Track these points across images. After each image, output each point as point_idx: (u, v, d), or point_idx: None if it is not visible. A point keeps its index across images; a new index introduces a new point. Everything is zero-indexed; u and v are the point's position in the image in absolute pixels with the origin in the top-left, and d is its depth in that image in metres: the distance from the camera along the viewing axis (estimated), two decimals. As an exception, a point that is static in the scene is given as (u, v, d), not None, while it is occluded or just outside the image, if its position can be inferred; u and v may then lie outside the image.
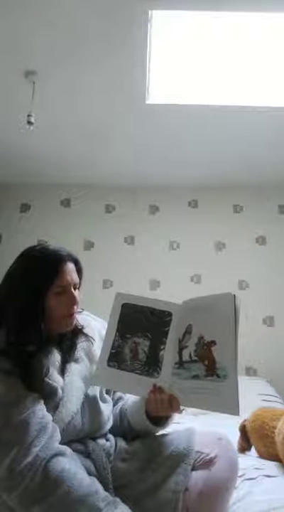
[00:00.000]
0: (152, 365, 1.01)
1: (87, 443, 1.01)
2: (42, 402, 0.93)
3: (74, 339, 1.09)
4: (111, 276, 3.27)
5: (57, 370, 1.00)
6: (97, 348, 1.09)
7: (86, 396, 1.03)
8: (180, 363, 0.98)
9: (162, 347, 1.01)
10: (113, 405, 1.16)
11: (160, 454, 1.04)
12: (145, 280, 3.27)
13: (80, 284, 1.09)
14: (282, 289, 3.22)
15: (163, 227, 3.39)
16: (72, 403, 0.98)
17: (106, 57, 1.99)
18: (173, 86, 2.23)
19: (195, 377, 0.95)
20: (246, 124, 2.47)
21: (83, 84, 2.19)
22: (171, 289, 3.04)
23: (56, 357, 1.02)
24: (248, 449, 1.49)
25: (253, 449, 1.48)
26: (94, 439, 1.04)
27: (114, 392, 1.19)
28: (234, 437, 1.42)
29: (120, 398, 1.21)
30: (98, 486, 0.88)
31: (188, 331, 0.99)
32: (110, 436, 1.10)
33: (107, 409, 1.08)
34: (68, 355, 1.05)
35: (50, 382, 0.97)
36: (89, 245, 3.36)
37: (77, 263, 1.08)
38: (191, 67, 2.11)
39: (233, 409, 0.88)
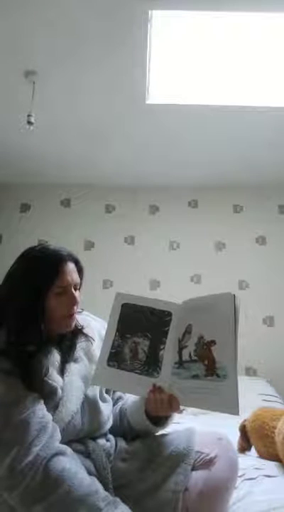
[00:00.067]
0: (152, 364, 1.01)
1: (87, 443, 1.01)
2: (42, 401, 0.93)
3: (73, 339, 1.09)
4: (111, 276, 3.27)
5: (56, 370, 1.00)
6: (97, 348, 1.09)
7: (86, 396, 1.03)
8: (180, 363, 0.98)
9: (162, 347, 1.01)
10: (113, 405, 1.16)
11: (160, 454, 1.04)
12: (145, 280, 3.28)
13: (81, 284, 1.09)
14: (282, 289, 3.22)
15: (163, 227, 3.39)
16: (71, 403, 0.98)
17: (106, 57, 1.99)
18: (173, 86, 2.23)
19: (195, 376, 0.95)
20: (246, 124, 2.47)
21: (83, 84, 2.19)
22: (171, 289, 3.04)
23: (55, 357, 1.02)
24: (248, 449, 1.49)
25: (253, 449, 1.48)
26: (94, 439, 1.04)
27: (114, 391, 1.19)
28: (234, 437, 1.42)
29: (119, 398, 1.21)
30: (98, 486, 0.88)
31: (188, 331, 0.99)
32: (110, 436, 1.10)
33: (107, 409, 1.08)
34: (68, 355, 1.05)
35: (50, 381, 0.97)
36: (89, 245, 3.36)
37: (77, 263, 1.08)
38: (191, 67, 2.11)
39: (233, 408, 0.87)
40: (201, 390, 0.93)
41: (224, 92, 2.24)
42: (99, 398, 1.06)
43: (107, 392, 1.14)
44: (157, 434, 1.13)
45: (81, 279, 1.09)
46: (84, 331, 1.11)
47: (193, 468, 1.00)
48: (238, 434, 1.50)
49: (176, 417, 1.14)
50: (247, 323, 2.97)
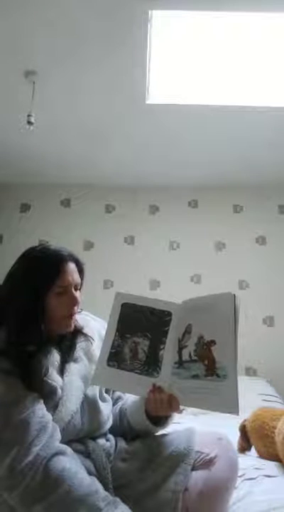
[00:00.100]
0: (151, 364, 1.01)
1: (87, 443, 1.01)
2: (41, 401, 0.93)
3: (73, 339, 1.09)
4: (111, 276, 3.27)
5: (56, 369, 1.00)
6: (96, 348, 1.09)
7: (86, 395, 1.03)
8: (180, 363, 0.98)
9: (161, 347, 1.01)
10: (113, 405, 1.16)
11: (160, 454, 1.04)
12: (145, 280, 3.28)
13: (82, 284, 1.09)
14: (282, 289, 3.22)
15: (163, 227, 3.39)
16: (71, 402, 0.98)
17: (106, 57, 1.99)
18: (173, 86, 2.23)
19: (195, 376, 0.95)
20: (246, 124, 2.47)
21: (83, 84, 2.19)
22: (171, 289, 3.04)
23: (55, 357, 1.02)
24: (248, 449, 1.49)
25: (253, 449, 1.48)
26: (94, 438, 1.04)
27: (113, 391, 1.19)
28: (234, 437, 1.42)
29: (119, 398, 1.21)
30: (98, 486, 0.88)
31: (188, 331, 0.99)
32: (110, 436, 1.10)
33: (107, 409, 1.08)
34: (67, 355, 1.05)
35: (50, 381, 0.97)
36: (89, 245, 3.36)
37: (78, 263, 1.08)
38: (191, 67, 2.11)
39: (232, 408, 0.87)
40: (201, 389, 0.93)
41: (224, 92, 2.24)
42: (98, 398, 1.06)
43: (107, 391, 1.14)
44: (157, 434, 1.13)
45: (82, 279, 1.09)
46: (84, 330, 1.11)
47: (193, 468, 1.00)
48: (238, 434, 1.50)
49: (176, 417, 1.14)
50: (247, 323, 2.97)
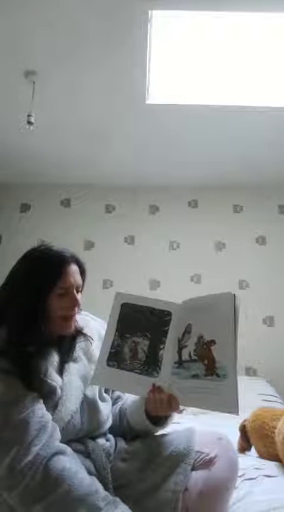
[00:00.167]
0: (151, 364, 1.01)
1: (87, 443, 1.01)
2: (41, 401, 0.94)
3: (73, 340, 1.09)
4: (111, 276, 3.27)
5: (55, 369, 1.00)
6: (96, 348, 1.09)
7: (85, 395, 1.03)
8: (180, 363, 0.98)
9: (161, 346, 1.01)
10: (112, 404, 1.16)
11: (160, 454, 1.04)
12: (145, 280, 3.28)
13: (83, 286, 1.09)
14: (282, 289, 3.22)
15: (163, 227, 3.39)
16: (71, 402, 0.98)
17: (106, 57, 1.99)
18: (173, 86, 2.23)
19: (195, 376, 0.95)
20: (246, 124, 2.47)
21: (83, 84, 2.19)
22: (171, 289, 3.04)
23: (54, 357, 1.02)
24: (248, 449, 1.48)
25: (253, 449, 1.48)
26: (94, 438, 1.04)
27: (113, 391, 1.19)
28: (234, 437, 1.41)
29: (119, 397, 1.21)
30: (98, 486, 0.88)
31: (187, 331, 0.99)
32: (110, 436, 1.10)
33: (106, 409, 1.08)
34: (67, 356, 1.05)
35: (49, 381, 0.97)
36: (89, 245, 3.36)
37: (80, 265, 1.08)
38: (191, 67, 2.11)
39: (232, 408, 0.87)
40: (201, 389, 0.93)
41: (224, 92, 2.24)
42: (98, 398, 1.06)
43: (106, 391, 1.14)
44: (157, 434, 1.13)
45: (83, 281, 1.09)
46: (84, 331, 1.11)
47: (193, 468, 1.00)
48: (238, 434, 1.50)
49: (176, 417, 1.14)
50: (247, 323, 2.97)
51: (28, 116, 2.07)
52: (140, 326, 1.04)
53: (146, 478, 0.99)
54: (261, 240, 3.34)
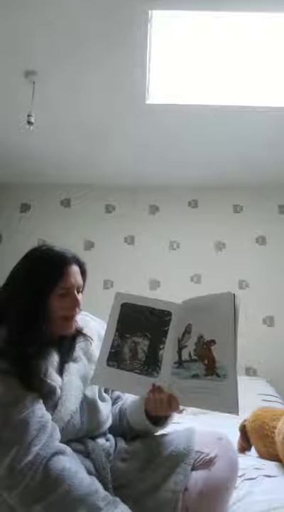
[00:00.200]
0: (151, 364, 1.01)
1: (87, 443, 1.01)
2: (41, 401, 0.94)
3: (73, 340, 1.09)
4: (111, 276, 3.27)
5: (55, 369, 1.00)
6: (96, 348, 1.09)
7: (85, 395, 1.03)
8: (180, 363, 0.98)
9: (161, 346, 1.01)
10: (112, 404, 1.16)
11: (160, 454, 1.04)
12: (145, 280, 3.28)
13: (84, 287, 1.09)
14: (282, 289, 3.22)
15: (163, 227, 3.39)
16: (70, 402, 0.98)
17: (106, 57, 1.99)
18: (173, 86, 2.23)
19: (195, 376, 0.95)
20: (246, 124, 2.47)
21: (83, 84, 2.19)
22: (171, 289, 3.04)
23: (54, 357, 1.02)
24: (248, 449, 1.48)
25: (253, 449, 1.48)
26: (94, 438, 1.04)
27: (112, 391, 1.19)
28: (234, 437, 1.41)
29: (118, 397, 1.21)
30: (98, 486, 0.88)
31: (187, 331, 0.99)
32: (110, 436, 1.10)
33: (106, 408, 1.08)
34: (67, 356, 1.05)
35: (49, 381, 0.97)
36: (89, 245, 3.36)
37: (81, 266, 1.08)
38: (191, 67, 2.11)
39: (232, 408, 0.87)
40: (200, 389, 0.93)
41: (224, 92, 2.24)
42: (98, 398, 1.06)
43: (106, 391, 1.14)
44: (156, 434, 1.13)
45: (84, 281, 1.09)
46: (83, 331, 1.11)
47: (193, 468, 1.00)
48: (238, 434, 1.50)
49: (176, 417, 1.14)
50: (247, 323, 2.97)
51: (28, 116, 2.07)
52: (140, 326, 1.04)
53: (146, 478, 0.99)
54: (261, 240, 3.34)
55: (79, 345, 1.09)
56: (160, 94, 2.26)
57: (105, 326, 1.09)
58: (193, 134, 2.62)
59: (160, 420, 1.09)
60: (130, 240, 3.39)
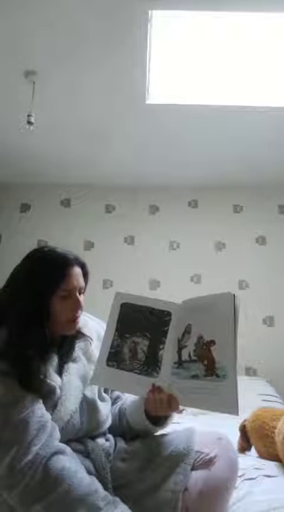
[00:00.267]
0: (151, 364, 1.01)
1: (86, 443, 1.01)
2: (40, 401, 0.93)
3: (72, 340, 1.08)
4: (111, 276, 3.27)
5: (55, 369, 1.00)
6: (95, 348, 1.09)
7: (85, 395, 1.03)
8: (179, 363, 0.98)
9: (161, 347, 1.01)
10: (112, 404, 1.16)
11: (160, 454, 1.04)
12: (145, 280, 3.28)
13: (85, 288, 1.09)
14: (282, 289, 3.22)
15: (163, 227, 3.39)
16: (70, 402, 0.98)
17: (106, 57, 1.99)
18: (173, 86, 2.23)
19: (194, 376, 0.95)
20: (246, 124, 2.47)
21: (83, 84, 2.19)
22: (171, 289, 3.04)
23: (54, 357, 1.02)
24: (248, 449, 1.48)
25: (253, 449, 1.48)
26: (93, 438, 1.04)
27: (112, 391, 1.19)
28: (234, 437, 1.41)
29: (118, 397, 1.21)
30: (98, 485, 0.88)
31: (187, 331, 0.99)
32: (109, 436, 1.10)
33: (106, 408, 1.08)
34: (66, 356, 1.05)
35: (48, 381, 0.97)
36: (89, 245, 3.36)
37: (83, 267, 1.08)
38: (191, 67, 2.11)
39: (232, 408, 0.87)
40: (200, 390, 0.93)
41: (224, 92, 2.24)
42: (97, 398, 1.06)
43: (105, 391, 1.14)
44: (156, 434, 1.13)
45: (86, 283, 1.08)
46: (83, 331, 1.11)
47: (193, 468, 1.00)
48: (238, 434, 1.50)
49: (176, 417, 1.14)
50: (247, 323, 2.97)
51: (28, 116, 2.07)
52: (140, 326, 1.04)
53: (146, 478, 0.99)
54: (261, 240, 3.34)
55: (79, 345, 1.09)
56: (160, 94, 2.26)
57: (104, 326, 1.09)
58: (193, 134, 2.62)
59: (160, 420, 1.09)
60: (130, 240, 3.39)
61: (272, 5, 1.73)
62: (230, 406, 0.88)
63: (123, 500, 0.89)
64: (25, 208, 3.47)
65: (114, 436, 1.11)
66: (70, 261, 1.03)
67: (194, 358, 0.96)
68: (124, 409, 1.15)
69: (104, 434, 1.08)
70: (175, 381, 0.98)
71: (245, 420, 1.51)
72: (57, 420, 0.94)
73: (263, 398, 2.32)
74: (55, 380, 0.98)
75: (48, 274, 1.00)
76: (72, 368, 1.03)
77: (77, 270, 1.04)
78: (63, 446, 0.91)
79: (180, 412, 1.05)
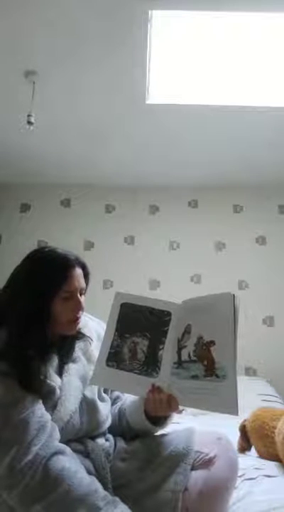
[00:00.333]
0: (151, 364, 1.01)
1: (86, 443, 1.01)
2: (40, 401, 0.93)
3: (72, 340, 1.08)
4: (111, 276, 3.27)
5: (54, 370, 1.01)
6: (95, 349, 1.09)
7: (85, 395, 1.03)
8: (179, 363, 0.98)
9: (161, 347, 1.01)
10: (112, 404, 1.16)
11: (160, 454, 1.04)
12: (145, 280, 3.28)
13: (86, 289, 1.09)
14: (282, 289, 3.22)
15: (163, 227, 3.39)
16: (70, 402, 0.98)
17: (106, 57, 1.99)
18: (173, 86, 2.23)
19: (194, 377, 0.95)
20: (246, 124, 2.47)
21: (83, 84, 2.19)
22: (171, 289, 3.04)
23: (54, 357, 1.02)
24: (248, 449, 1.48)
25: (253, 449, 1.48)
26: (93, 438, 1.04)
27: (112, 391, 1.19)
28: (234, 437, 1.41)
29: (118, 397, 1.21)
30: (97, 485, 0.88)
31: (187, 331, 0.99)
32: (109, 436, 1.10)
33: (105, 409, 1.08)
34: (66, 356, 1.05)
35: (48, 381, 0.97)
36: (89, 245, 3.36)
37: (84, 268, 1.07)
38: (191, 67, 2.11)
39: (232, 409, 0.87)
40: (200, 390, 0.93)
41: (224, 92, 2.24)
42: (97, 398, 1.06)
43: (105, 391, 1.14)
44: (156, 434, 1.13)
45: (87, 284, 1.08)
46: (83, 331, 1.11)
47: (192, 468, 1.00)
48: (238, 434, 1.50)
49: (175, 417, 1.14)
50: (247, 323, 2.97)
51: (28, 116, 2.07)
52: (140, 326, 1.04)
53: (146, 478, 0.99)
54: (261, 240, 3.34)
55: (79, 345, 1.09)
56: (160, 94, 2.26)
57: (104, 326, 1.09)
58: (193, 134, 2.62)
59: (160, 420, 1.09)
60: (130, 240, 3.39)
61: (272, 5, 1.73)
62: (230, 406, 0.88)
63: (123, 500, 0.89)
64: (25, 208, 3.47)
65: (114, 436, 1.11)
66: (71, 262, 1.02)
67: (194, 358, 0.96)
68: (124, 409, 1.15)
69: (103, 434, 1.08)
70: (174, 381, 0.98)
71: (245, 420, 1.51)
72: (57, 420, 0.94)
73: (263, 398, 2.32)
74: (54, 380, 0.98)
75: (49, 275, 1.00)
76: (72, 369, 1.03)
77: (79, 271, 1.04)
78: (63, 446, 0.91)
79: (180, 412, 1.05)
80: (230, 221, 3.38)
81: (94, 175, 3.30)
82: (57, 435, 0.92)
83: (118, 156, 2.97)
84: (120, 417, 1.15)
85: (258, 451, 1.44)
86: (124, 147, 2.83)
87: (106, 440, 1.07)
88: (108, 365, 1.02)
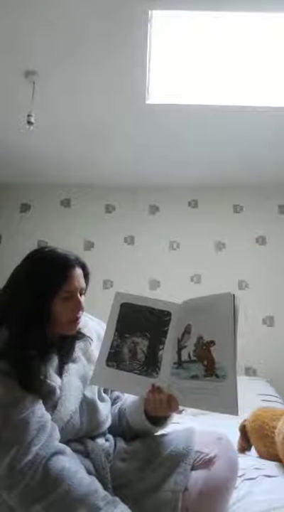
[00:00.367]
0: (151, 365, 1.01)
1: (86, 443, 1.01)
2: (40, 401, 0.93)
3: (72, 340, 1.08)
4: (111, 276, 3.27)
5: (55, 370, 1.01)
6: (95, 349, 1.09)
7: (85, 395, 1.03)
8: (179, 363, 0.98)
9: (161, 347, 1.01)
10: (112, 404, 1.16)
11: (160, 454, 1.04)
12: (145, 280, 3.28)
13: (86, 289, 1.09)
14: (282, 289, 3.22)
15: (163, 227, 3.39)
16: (70, 402, 0.98)
17: (106, 57, 1.99)
18: (173, 86, 2.23)
19: (194, 377, 0.95)
20: (246, 124, 2.47)
21: (83, 84, 2.19)
22: (171, 289, 3.04)
23: (54, 358, 1.02)
24: (248, 449, 1.48)
25: (253, 449, 1.48)
26: (93, 438, 1.04)
27: (112, 391, 1.19)
28: (234, 437, 1.41)
29: (118, 397, 1.21)
30: (97, 485, 0.88)
31: (187, 331, 0.99)
32: (109, 436, 1.10)
33: (105, 409, 1.08)
34: (66, 356, 1.05)
35: (48, 381, 0.97)
36: (89, 245, 3.36)
37: (84, 268, 1.07)
38: (191, 67, 2.11)
39: (232, 409, 0.87)
40: (200, 390, 0.93)
41: (224, 92, 2.24)
42: (97, 398, 1.06)
43: (105, 391, 1.14)
44: (156, 434, 1.13)
45: (87, 284, 1.08)
46: (83, 331, 1.11)
47: (193, 468, 1.00)
48: (238, 434, 1.50)
49: (175, 417, 1.14)
50: (247, 323, 2.97)
51: (28, 116, 2.07)
52: (140, 326, 1.04)
53: (146, 478, 0.99)
54: (261, 240, 3.34)
55: (79, 345, 1.09)
56: (160, 94, 2.26)
57: (104, 326, 1.09)
58: (193, 134, 2.62)
59: (160, 420, 1.09)
60: (130, 240, 3.39)
61: (272, 5, 1.73)
62: (230, 406, 0.88)
63: (123, 500, 0.89)
64: (25, 208, 3.47)
65: (114, 436, 1.11)
66: (71, 262, 1.02)
67: (194, 358, 0.96)
68: (124, 409, 1.15)
69: (103, 434, 1.08)
70: (174, 381, 0.98)
71: (245, 420, 1.51)
72: (57, 420, 0.94)
73: (263, 398, 2.32)
74: (55, 380, 0.98)
75: (50, 275, 1.00)
76: (72, 369, 1.03)
77: (79, 271, 1.04)
78: (63, 446, 0.91)
79: (180, 412, 1.05)
80: (230, 221, 3.38)
81: (94, 175, 3.30)
82: (57, 435, 0.92)
83: (118, 156, 2.97)
84: (120, 417, 1.15)
85: (258, 451, 1.44)
86: (124, 147, 2.83)
87: (106, 440, 1.07)
88: (108, 365, 1.02)
